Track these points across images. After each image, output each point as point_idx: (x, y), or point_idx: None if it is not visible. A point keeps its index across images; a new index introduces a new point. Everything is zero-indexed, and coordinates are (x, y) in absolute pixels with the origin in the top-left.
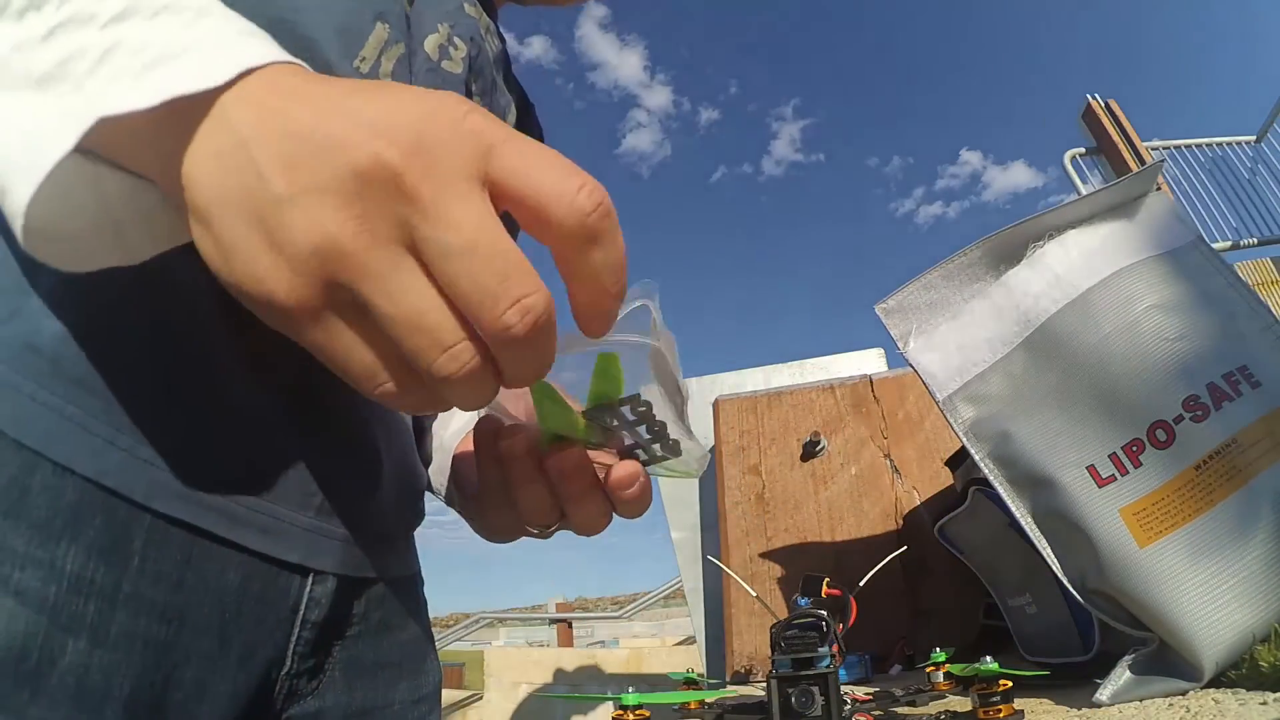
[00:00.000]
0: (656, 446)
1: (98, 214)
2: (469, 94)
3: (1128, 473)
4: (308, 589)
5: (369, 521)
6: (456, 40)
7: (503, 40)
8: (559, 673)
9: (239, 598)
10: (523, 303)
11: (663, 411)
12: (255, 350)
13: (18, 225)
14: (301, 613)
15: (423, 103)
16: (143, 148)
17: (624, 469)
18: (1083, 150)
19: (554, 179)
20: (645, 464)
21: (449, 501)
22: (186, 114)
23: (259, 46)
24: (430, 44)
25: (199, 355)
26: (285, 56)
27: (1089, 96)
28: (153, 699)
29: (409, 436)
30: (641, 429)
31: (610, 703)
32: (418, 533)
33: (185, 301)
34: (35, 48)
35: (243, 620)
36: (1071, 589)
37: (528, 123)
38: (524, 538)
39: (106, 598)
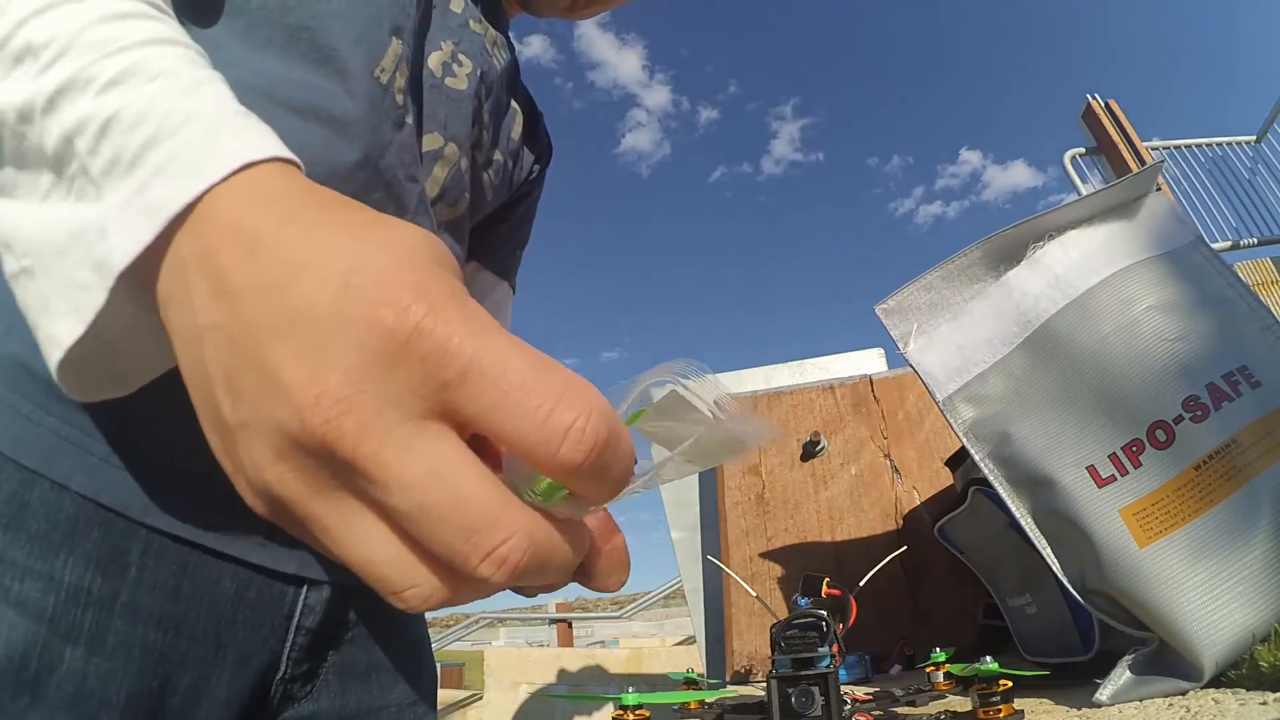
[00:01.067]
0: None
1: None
2: (479, 110)
3: (1127, 473)
4: (303, 596)
5: None
6: (461, 57)
7: (512, 51)
8: (559, 673)
9: (234, 606)
10: (495, 554)
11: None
12: None
13: (55, 373)
14: (296, 619)
15: (360, 318)
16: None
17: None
18: (1083, 150)
19: (532, 427)
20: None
21: None
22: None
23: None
24: (434, 61)
25: None
26: (265, 152)
27: (1089, 96)
28: (150, 705)
29: None
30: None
31: (610, 703)
32: None
33: None
34: (40, 120)
35: (238, 627)
36: (1071, 589)
37: (534, 132)
38: None
39: (104, 607)
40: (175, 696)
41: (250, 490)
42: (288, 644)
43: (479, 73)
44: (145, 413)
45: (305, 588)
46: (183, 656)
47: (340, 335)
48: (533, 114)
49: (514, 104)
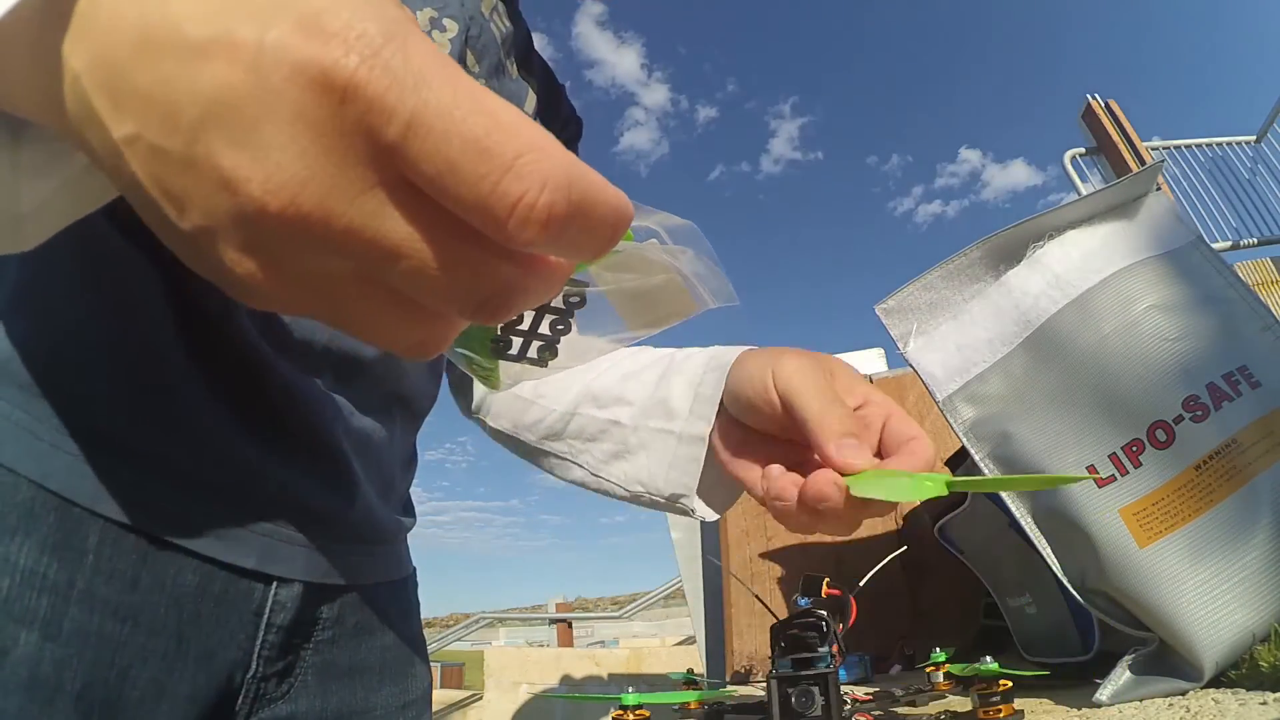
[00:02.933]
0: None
1: None
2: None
3: (1128, 473)
4: (272, 592)
5: (337, 529)
6: (445, 22)
7: (516, 22)
8: (559, 673)
9: (196, 599)
10: (489, 305)
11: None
12: (212, 364)
13: None
14: (266, 616)
15: (287, 85)
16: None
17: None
18: (1083, 150)
19: (477, 199)
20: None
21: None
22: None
23: None
24: None
25: (154, 366)
26: None
27: (1089, 96)
28: (107, 695)
29: (389, 447)
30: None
31: (610, 703)
32: (416, 531)
33: (141, 312)
34: None
35: (201, 621)
36: (1071, 589)
37: (557, 105)
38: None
39: (59, 593)
40: (135, 689)
41: (239, 293)
42: (258, 641)
43: (464, 36)
44: (100, 403)
45: (275, 584)
46: (142, 648)
47: (270, 110)
48: (551, 88)
49: (523, 76)
